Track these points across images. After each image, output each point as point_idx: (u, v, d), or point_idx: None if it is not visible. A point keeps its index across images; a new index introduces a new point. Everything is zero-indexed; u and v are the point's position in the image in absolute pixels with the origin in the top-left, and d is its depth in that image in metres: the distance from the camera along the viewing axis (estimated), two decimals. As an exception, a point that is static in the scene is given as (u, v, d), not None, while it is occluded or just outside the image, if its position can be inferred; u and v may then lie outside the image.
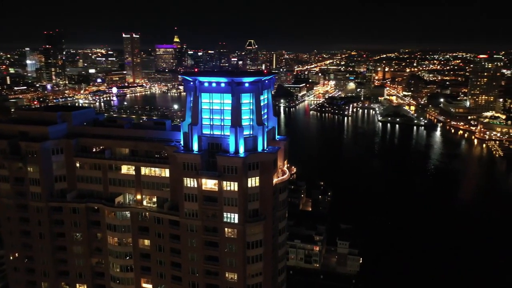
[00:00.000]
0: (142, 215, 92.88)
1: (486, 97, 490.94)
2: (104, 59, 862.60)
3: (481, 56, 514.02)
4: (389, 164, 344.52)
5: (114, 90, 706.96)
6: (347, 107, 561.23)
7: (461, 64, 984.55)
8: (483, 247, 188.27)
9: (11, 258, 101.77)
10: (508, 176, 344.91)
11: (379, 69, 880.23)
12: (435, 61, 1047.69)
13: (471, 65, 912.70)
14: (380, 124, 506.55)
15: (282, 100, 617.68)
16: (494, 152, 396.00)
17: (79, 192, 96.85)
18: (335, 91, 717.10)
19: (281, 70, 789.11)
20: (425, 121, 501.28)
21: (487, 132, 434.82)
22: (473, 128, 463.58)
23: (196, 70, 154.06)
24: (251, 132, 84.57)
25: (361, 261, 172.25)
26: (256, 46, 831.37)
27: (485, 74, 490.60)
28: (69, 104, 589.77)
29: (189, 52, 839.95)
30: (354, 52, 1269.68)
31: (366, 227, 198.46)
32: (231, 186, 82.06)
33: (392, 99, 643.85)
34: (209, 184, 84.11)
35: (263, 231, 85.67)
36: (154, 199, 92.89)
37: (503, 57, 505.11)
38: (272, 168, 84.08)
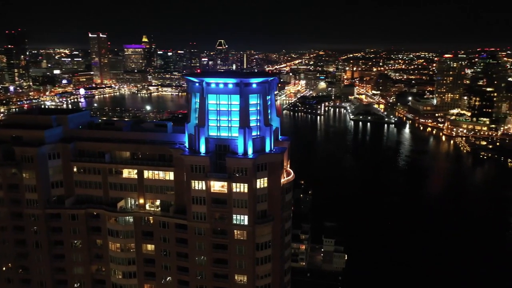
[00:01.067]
0: (145, 219, 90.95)
1: (451, 95, 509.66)
2: (69, 59, 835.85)
3: (446, 55, 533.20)
4: (363, 161, 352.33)
5: (82, 91, 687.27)
6: (319, 106, 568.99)
7: (424, 63, 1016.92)
8: (457, 240, 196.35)
9: (4, 269, 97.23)
10: (474, 171, 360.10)
11: (347, 68, 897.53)
12: (399, 61, 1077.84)
13: (434, 64, 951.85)
14: (352, 122, 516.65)
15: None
16: (461, 148, 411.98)
17: (77, 198, 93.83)
18: (306, 90, 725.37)
19: (253, 70, 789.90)
20: (395, 119, 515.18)
21: (454, 129, 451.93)
22: (441, 125, 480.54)
23: (198, 71, 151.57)
24: (258, 133, 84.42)
25: (346, 258, 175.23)
26: (227, 46, 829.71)
27: (451, 73, 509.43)
28: (33, 106, 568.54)
29: (158, 52, 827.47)
30: (322, 51, 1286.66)
31: (348, 225, 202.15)
32: (241, 187, 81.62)
33: (362, 98, 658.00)
34: (218, 186, 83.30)
35: (271, 232, 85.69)
36: (157, 203, 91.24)
37: (465, 56, 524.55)
38: (280, 169, 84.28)
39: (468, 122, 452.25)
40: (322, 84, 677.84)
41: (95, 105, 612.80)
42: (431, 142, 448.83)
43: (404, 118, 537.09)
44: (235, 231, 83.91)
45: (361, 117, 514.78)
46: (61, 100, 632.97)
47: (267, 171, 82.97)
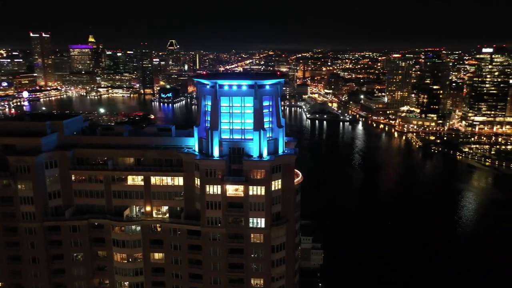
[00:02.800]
0: (153, 227, 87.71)
1: (401, 93, 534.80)
2: (9, 60, 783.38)
3: (395, 55, 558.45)
4: (322, 158, 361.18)
5: (25, 94, 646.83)
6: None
7: (369, 62, 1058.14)
8: (414, 231, 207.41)
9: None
10: (426, 164, 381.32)
11: (297, 68, 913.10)
12: (346, 60, 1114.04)
13: (379, 64, 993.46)
14: (309, 121, 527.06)
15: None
16: (414, 143, 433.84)
17: (77, 208, 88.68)
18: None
19: (206, 70, 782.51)
20: (350, 117, 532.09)
21: (405, 125, 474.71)
22: (393, 122, 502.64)
23: (204, 73, 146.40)
24: (271, 135, 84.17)
25: (323, 255, 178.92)
26: (178, 46, 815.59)
27: (399, 72, 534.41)
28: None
29: (107, 53, 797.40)
30: (271, 52, 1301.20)
31: (321, 222, 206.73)
32: (258, 190, 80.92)
33: (315, 97, 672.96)
34: (233, 190, 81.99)
35: (285, 234, 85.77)
36: (163, 210, 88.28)
37: (412, 56, 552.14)
38: (293, 170, 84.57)
39: (418, 119, 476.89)
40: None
41: (43, 108, 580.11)
42: (384, 138, 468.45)
43: (358, 116, 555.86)
44: (251, 234, 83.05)
45: (317, 115, 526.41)
46: (2, 104, 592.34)
47: (281, 172, 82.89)
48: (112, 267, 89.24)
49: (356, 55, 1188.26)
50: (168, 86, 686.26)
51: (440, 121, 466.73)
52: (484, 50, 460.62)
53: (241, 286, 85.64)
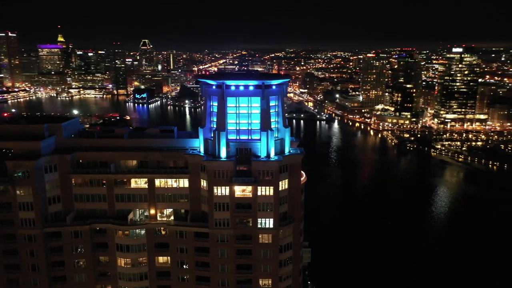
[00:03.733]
0: (158, 230, 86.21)
1: (375, 92, 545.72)
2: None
3: (369, 55, 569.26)
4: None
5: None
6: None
7: (342, 62, 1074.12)
8: (394, 225, 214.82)
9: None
10: (400, 161, 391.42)
11: (271, 67, 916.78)
12: (319, 60, 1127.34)
13: (351, 63, 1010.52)
14: (287, 120, 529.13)
15: (186, 101, 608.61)
16: (389, 140, 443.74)
17: (77, 213, 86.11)
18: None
19: (180, 70, 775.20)
20: (326, 116, 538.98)
21: (380, 123, 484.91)
22: (368, 120, 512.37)
23: (207, 73, 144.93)
24: (277, 135, 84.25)
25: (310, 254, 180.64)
26: (151, 46, 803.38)
27: (374, 71, 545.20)
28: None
29: (77, 53, 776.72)
30: (244, 51, 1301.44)
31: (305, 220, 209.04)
32: (266, 191, 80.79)
33: (291, 97, 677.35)
34: (242, 191, 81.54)
35: (292, 233, 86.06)
36: (167, 212, 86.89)
37: (386, 55, 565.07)
38: (300, 170, 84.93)
39: (392, 117, 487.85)
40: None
41: (13, 110, 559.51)
42: (361, 136, 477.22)
43: (333, 115, 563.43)
44: (260, 235, 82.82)
45: (294, 115, 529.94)
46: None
47: (287, 172, 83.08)
48: (115, 272, 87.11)
49: (328, 55, 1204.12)
50: (142, 87, 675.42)
51: (414, 119, 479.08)
52: (454, 50, 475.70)
53: (249, 287, 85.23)
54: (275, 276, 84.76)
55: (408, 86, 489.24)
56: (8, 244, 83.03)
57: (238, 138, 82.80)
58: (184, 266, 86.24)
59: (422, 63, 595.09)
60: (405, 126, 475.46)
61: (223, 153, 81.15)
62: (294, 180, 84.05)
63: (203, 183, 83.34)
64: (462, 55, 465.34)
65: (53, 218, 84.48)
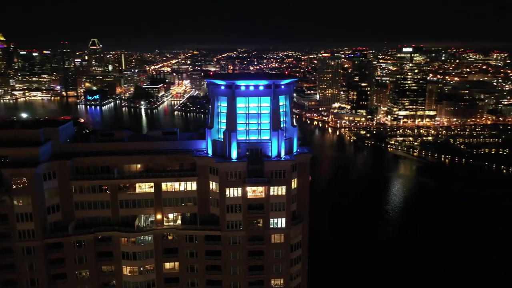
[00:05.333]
0: (164, 235, 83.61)
1: (331, 91, 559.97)
2: None
3: (325, 54, 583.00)
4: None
5: None
6: (209, 105, 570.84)
7: (294, 62, 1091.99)
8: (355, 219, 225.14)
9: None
10: (359, 157, 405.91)
11: (226, 67, 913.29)
12: (272, 60, 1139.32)
13: (303, 63, 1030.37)
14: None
15: (142, 102, 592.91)
16: (347, 137, 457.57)
17: (78, 222, 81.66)
18: (192, 90, 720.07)
19: (133, 70, 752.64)
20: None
21: (338, 121, 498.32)
22: (326, 118, 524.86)
23: (211, 73, 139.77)
24: (285, 134, 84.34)
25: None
26: (101, 45, 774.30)
27: (329, 70, 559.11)
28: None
29: (20, 53, 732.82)
30: (196, 51, 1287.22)
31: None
32: (279, 190, 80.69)
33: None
34: (253, 191, 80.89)
35: (301, 232, 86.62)
36: (171, 217, 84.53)
37: (341, 55, 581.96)
38: (308, 169, 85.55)
39: (349, 114, 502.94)
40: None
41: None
42: (319, 134, 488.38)
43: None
44: (272, 235, 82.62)
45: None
46: None
47: (296, 171, 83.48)
48: (120, 281, 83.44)
49: (280, 55, 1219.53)
50: (94, 88, 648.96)
51: (369, 116, 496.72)
52: (404, 49, 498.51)
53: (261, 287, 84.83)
54: (287, 275, 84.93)
55: (362, 84, 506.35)
56: (4, 258, 77.12)
57: (247, 138, 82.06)
58: (195, 271, 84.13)
59: (374, 62, 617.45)
60: (361, 123, 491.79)
61: (234, 154, 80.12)
62: (303, 179, 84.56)
63: (213, 185, 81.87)
64: (412, 55, 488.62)
65: (52, 229, 79.61)
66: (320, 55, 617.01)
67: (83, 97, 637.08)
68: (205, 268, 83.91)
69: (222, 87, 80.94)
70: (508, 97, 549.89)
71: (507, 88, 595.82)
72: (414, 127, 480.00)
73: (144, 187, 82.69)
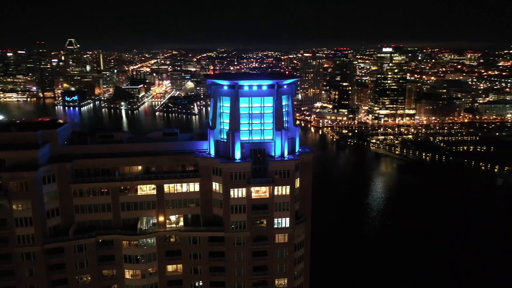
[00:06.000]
0: (167, 238, 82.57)
1: (313, 90, 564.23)
2: None
3: (306, 54, 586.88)
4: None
5: None
6: (192, 106, 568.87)
7: (274, 61, 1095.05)
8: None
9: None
10: (340, 155, 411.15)
11: (208, 67, 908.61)
12: (252, 59, 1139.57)
13: (283, 62, 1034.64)
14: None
15: (122, 103, 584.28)
16: (330, 136, 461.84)
17: (78, 226, 79.86)
18: (173, 91, 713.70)
19: (113, 71, 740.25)
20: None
21: (320, 121, 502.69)
22: (308, 117, 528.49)
23: (212, 73, 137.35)
24: (288, 134, 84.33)
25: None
26: (78, 45, 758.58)
27: (311, 70, 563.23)
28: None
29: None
30: (175, 51, 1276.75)
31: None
32: (283, 190, 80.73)
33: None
34: (257, 191, 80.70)
35: (304, 231, 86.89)
36: (173, 219, 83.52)
37: (322, 55, 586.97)
38: (311, 168, 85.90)
39: (331, 114, 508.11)
40: (190, 84, 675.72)
41: None
42: (302, 134, 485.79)
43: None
44: (276, 235, 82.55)
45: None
46: None
47: (299, 171, 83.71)
48: (122, 285, 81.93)
49: (260, 54, 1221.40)
50: (73, 89, 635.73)
51: (351, 116, 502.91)
52: (384, 49, 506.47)
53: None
54: (290, 275, 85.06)
55: (344, 84, 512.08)
56: (3, 264, 74.71)
57: (250, 138, 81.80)
58: (198, 273, 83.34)
59: (355, 62, 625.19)
60: (343, 123, 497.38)
61: (237, 155, 79.75)
62: (305, 178, 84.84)
63: (216, 186, 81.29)
64: (392, 55, 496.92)
65: (52, 233, 77.55)
66: (300, 55, 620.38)
67: (60, 98, 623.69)
68: (209, 269, 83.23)
69: (225, 87, 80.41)
70: (483, 95, 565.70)
71: (481, 87, 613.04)
72: (394, 125, 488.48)
73: (146, 189, 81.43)
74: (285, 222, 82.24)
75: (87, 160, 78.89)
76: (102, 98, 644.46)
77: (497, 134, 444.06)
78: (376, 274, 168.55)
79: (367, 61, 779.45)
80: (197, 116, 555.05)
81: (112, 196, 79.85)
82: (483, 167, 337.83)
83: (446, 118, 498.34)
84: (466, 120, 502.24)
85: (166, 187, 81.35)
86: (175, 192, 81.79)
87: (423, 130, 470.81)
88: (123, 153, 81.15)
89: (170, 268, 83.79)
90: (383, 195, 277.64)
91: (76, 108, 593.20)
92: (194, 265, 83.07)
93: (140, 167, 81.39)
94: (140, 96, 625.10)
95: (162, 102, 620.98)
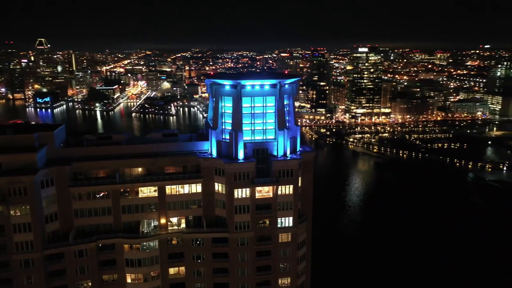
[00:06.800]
0: (169, 240, 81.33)
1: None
2: None
3: (283, 54, 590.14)
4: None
5: None
6: (169, 107, 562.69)
7: (249, 61, 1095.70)
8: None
9: None
10: (318, 154, 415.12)
11: (182, 67, 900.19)
12: (227, 59, 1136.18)
13: (258, 62, 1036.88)
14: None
15: (97, 104, 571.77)
16: (308, 135, 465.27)
17: (78, 230, 77.66)
18: (149, 91, 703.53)
19: (86, 71, 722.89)
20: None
21: (299, 120, 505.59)
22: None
23: (212, 73, 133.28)
24: (289, 133, 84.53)
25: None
26: (49, 45, 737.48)
27: (288, 70, 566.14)
28: None
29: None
30: (149, 51, 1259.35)
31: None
32: (286, 189, 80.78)
33: (207, 96, 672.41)
34: (261, 191, 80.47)
35: (305, 230, 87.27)
36: (174, 221, 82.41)
37: (299, 55, 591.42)
38: (312, 167, 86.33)
39: (309, 113, 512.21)
40: (166, 84, 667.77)
41: None
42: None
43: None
44: (279, 234, 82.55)
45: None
46: None
47: (300, 170, 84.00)
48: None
49: (235, 54, 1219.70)
50: (45, 90, 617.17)
51: (329, 115, 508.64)
52: (360, 49, 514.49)
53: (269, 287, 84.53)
54: (294, 274, 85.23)
55: (321, 83, 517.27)
56: (0, 273, 71.78)
57: (253, 138, 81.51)
58: (201, 275, 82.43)
59: (331, 62, 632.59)
60: (321, 122, 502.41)
61: (241, 155, 79.30)
62: (307, 177, 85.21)
63: (219, 187, 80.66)
64: (368, 54, 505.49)
65: (50, 239, 75.09)
66: (275, 55, 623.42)
67: (31, 99, 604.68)
68: (212, 271, 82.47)
69: (227, 87, 79.86)
70: (454, 94, 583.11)
71: (452, 86, 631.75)
72: (371, 124, 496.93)
73: (147, 191, 79.98)
74: (288, 221, 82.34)
75: (86, 163, 76.83)
76: (76, 100, 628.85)
77: (468, 131, 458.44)
78: (358, 272, 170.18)
79: (341, 61, 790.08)
80: (174, 117, 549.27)
81: (112, 199, 78.03)
82: (457, 164, 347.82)
83: (420, 116, 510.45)
84: (439, 118, 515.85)
85: (168, 189, 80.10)
86: (177, 193, 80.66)
87: (399, 128, 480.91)
88: (123, 155, 79.33)
89: (172, 271, 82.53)
90: (363, 192, 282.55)
91: (49, 110, 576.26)
92: (197, 267, 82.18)
93: (140, 169, 79.81)
94: (115, 97, 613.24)
95: (138, 103, 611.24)
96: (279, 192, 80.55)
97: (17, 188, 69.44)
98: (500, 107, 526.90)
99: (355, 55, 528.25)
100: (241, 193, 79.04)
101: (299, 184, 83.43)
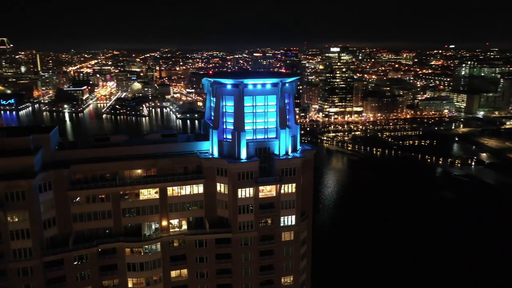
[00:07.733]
0: (171, 242, 79.85)
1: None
2: None
3: (256, 54, 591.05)
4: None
5: None
6: (141, 108, 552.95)
7: (220, 61, 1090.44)
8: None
9: None
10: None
11: (154, 68, 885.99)
12: (197, 59, 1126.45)
13: (229, 62, 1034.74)
14: (180, 121, 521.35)
15: (65, 106, 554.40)
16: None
17: (77, 235, 75.07)
18: (119, 92, 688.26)
19: (51, 72, 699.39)
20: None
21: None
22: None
23: (211, 72, 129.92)
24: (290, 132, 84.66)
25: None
26: (12, 45, 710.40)
27: (262, 70, 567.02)
28: None
29: None
30: (116, 51, 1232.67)
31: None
32: (289, 188, 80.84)
33: (179, 97, 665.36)
34: (263, 190, 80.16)
35: (306, 228, 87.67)
36: (175, 223, 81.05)
37: (271, 55, 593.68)
38: (312, 165, 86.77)
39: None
40: (137, 85, 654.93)
41: None
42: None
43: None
44: (282, 233, 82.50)
45: (187, 115, 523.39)
46: None
47: (301, 168, 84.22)
48: (125, 295, 78.08)
49: (205, 54, 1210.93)
50: (8, 91, 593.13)
51: (302, 114, 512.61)
52: (332, 49, 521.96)
53: (272, 287, 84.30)
54: (296, 272, 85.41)
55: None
56: (-3, 282, 68.46)
57: (255, 137, 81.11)
58: (205, 276, 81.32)
59: (304, 62, 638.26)
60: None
61: (243, 154, 78.75)
62: (307, 176, 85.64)
63: (221, 187, 79.84)
64: (340, 54, 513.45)
65: (49, 245, 72.18)
66: (245, 55, 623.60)
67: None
68: (215, 272, 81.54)
69: (229, 86, 79.13)
70: (422, 93, 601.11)
71: (418, 85, 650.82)
72: (344, 122, 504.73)
73: (148, 193, 78.22)
74: (291, 220, 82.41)
75: (85, 165, 74.31)
76: (42, 101, 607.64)
77: (436, 128, 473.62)
78: (337, 269, 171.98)
79: (311, 61, 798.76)
80: (147, 117, 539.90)
81: (112, 202, 75.87)
82: (428, 160, 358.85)
83: (390, 114, 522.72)
84: (408, 116, 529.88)
85: (169, 190, 78.58)
86: (179, 195, 79.31)
87: (371, 126, 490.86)
88: (123, 157, 77.22)
89: (174, 273, 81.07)
90: (338, 189, 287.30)
91: (14, 112, 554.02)
92: (200, 269, 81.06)
93: (140, 171, 77.94)
94: (84, 98, 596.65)
95: (108, 104, 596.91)
96: (282, 191, 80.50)
97: (14, 193, 66.34)
98: (465, 105, 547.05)
99: (327, 55, 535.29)
100: (245, 192, 78.51)
101: (300, 182, 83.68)
